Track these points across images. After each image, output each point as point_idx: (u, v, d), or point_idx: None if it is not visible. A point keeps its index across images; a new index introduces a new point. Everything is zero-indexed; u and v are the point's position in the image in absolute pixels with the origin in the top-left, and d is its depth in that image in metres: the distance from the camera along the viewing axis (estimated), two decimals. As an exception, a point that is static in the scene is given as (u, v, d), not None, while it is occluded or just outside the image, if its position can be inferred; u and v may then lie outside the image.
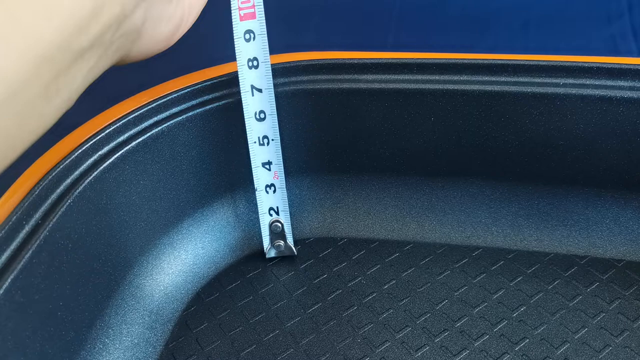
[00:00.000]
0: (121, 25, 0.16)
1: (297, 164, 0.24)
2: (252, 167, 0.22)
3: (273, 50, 0.24)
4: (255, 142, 0.21)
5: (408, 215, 0.25)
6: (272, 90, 0.21)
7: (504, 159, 0.23)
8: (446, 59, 0.22)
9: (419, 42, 0.42)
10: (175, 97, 0.21)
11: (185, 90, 0.21)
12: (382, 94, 0.23)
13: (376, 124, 0.23)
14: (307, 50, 0.25)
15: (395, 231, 0.24)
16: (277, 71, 0.23)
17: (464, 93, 0.22)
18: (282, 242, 0.23)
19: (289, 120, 0.23)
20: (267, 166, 0.22)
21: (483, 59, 0.22)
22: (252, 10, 0.20)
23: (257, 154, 0.22)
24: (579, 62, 0.22)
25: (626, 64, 0.21)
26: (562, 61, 0.22)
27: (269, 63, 0.21)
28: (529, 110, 0.22)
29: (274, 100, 0.21)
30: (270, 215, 0.23)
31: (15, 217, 0.18)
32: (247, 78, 0.21)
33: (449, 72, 0.23)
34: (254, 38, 0.20)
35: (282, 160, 0.22)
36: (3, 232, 0.17)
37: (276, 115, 0.21)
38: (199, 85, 0.22)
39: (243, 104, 0.21)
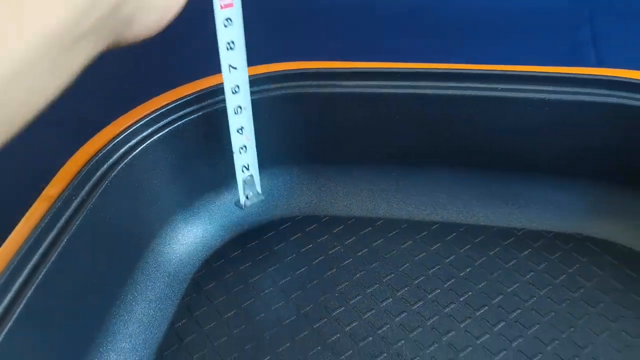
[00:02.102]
0: (117, 11, 0.18)
1: (288, 155, 0.29)
2: (230, 132, 0.25)
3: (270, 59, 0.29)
4: (232, 112, 0.25)
5: (379, 196, 0.30)
6: (246, 68, 0.24)
7: (460, 150, 0.28)
8: (415, 68, 0.27)
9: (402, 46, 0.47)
10: (188, 99, 0.26)
11: (197, 95, 0.26)
12: (359, 98, 0.28)
13: (354, 123, 0.28)
14: (297, 59, 0.30)
15: (368, 210, 0.30)
16: (272, 79, 0.28)
17: (430, 96, 0.27)
18: (251, 192, 0.27)
19: (282, 119, 0.28)
20: (240, 131, 0.26)
21: (446, 68, 0.27)
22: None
23: (233, 122, 0.25)
24: (525, 71, 0.27)
25: (560, 73, 0.26)
26: (511, 71, 0.27)
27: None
28: (482, 110, 0.27)
29: (247, 77, 0.24)
30: (243, 172, 0.27)
31: (65, 195, 0.23)
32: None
33: (417, 79, 0.27)
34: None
35: (252, 125, 0.26)
36: (56, 207, 0.22)
37: (248, 89, 0.25)
38: (207, 90, 0.27)
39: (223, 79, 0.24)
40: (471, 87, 0.26)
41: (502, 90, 0.26)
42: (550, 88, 0.26)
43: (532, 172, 0.28)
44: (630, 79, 0.26)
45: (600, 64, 0.45)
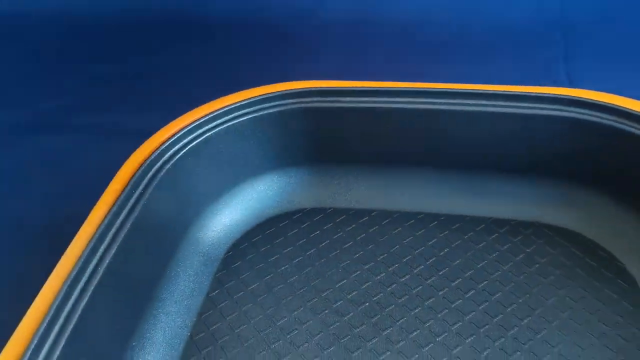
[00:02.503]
0: None
1: (299, 158, 0.36)
2: None
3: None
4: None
5: (374, 192, 0.36)
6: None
7: (439, 153, 0.34)
8: (400, 87, 0.33)
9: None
10: (226, 109, 0.32)
11: (238, 104, 0.33)
12: (356, 111, 0.34)
13: (352, 131, 0.34)
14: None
15: (365, 203, 0.36)
16: (285, 96, 0.34)
17: (412, 110, 0.33)
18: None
19: (294, 129, 0.34)
20: None
21: (426, 87, 0.33)
22: None
23: None
24: (491, 90, 0.33)
25: (521, 92, 0.32)
26: (479, 89, 0.33)
27: None
28: (455, 122, 0.33)
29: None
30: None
31: (127, 190, 0.29)
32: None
33: (402, 95, 0.33)
34: None
35: None
36: (120, 201, 0.28)
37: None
38: (240, 103, 0.33)
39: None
40: (446, 103, 0.32)
41: (471, 105, 0.32)
42: (513, 103, 0.32)
43: (499, 172, 0.34)
44: (580, 97, 0.32)
45: (570, 81, 0.52)
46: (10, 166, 0.49)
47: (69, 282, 0.24)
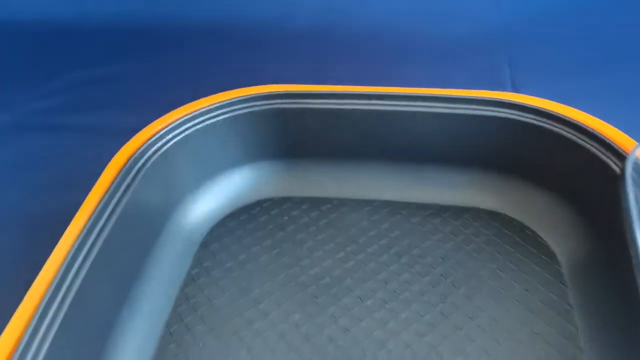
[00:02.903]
0: None
1: (270, 152, 0.40)
2: None
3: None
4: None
5: (336, 182, 0.40)
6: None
7: (391, 148, 0.39)
8: (358, 90, 0.38)
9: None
10: (205, 109, 0.37)
11: (215, 104, 0.37)
12: (322, 112, 0.38)
13: (318, 129, 0.39)
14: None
15: (328, 192, 0.40)
16: (258, 97, 0.38)
17: (369, 111, 0.38)
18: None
19: (266, 127, 0.39)
20: None
21: (379, 91, 0.38)
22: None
23: None
24: (434, 93, 0.37)
25: (460, 95, 0.37)
26: (424, 93, 0.37)
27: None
28: (403, 121, 0.38)
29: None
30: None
31: (118, 179, 0.33)
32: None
33: (360, 98, 0.38)
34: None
35: None
36: (112, 189, 0.32)
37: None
38: (217, 104, 0.37)
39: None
40: (396, 105, 0.37)
41: (417, 107, 0.37)
42: (453, 105, 0.37)
43: (441, 164, 0.39)
44: (508, 100, 0.37)
45: (513, 85, 0.57)
46: (5, 162, 0.53)
47: (69, 258, 0.28)
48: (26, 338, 0.25)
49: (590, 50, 0.61)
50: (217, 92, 0.40)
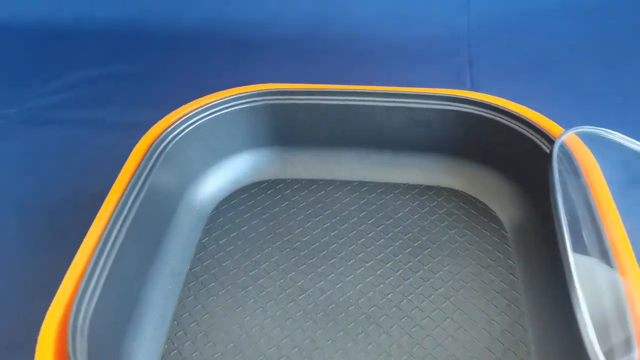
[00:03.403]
0: None
1: (264, 141, 0.47)
2: None
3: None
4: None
5: (321, 166, 0.47)
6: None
7: (366, 137, 0.46)
8: (337, 88, 0.45)
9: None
10: (211, 104, 0.43)
11: (220, 100, 0.44)
12: (306, 106, 0.45)
13: (303, 121, 0.46)
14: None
15: (315, 174, 0.47)
16: (251, 95, 0.45)
17: (348, 106, 0.45)
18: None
19: (259, 120, 0.45)
20: None
21: (353, 89, 0.45)
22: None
23: None
24: (399, 90, 0.45)
25: (422, 92, 0.44)
26: (391, 90, 0.45)
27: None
28: (377, 114, 0.45)
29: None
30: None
31: (142, 162, 0.39)
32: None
33: (340, 95, 0.45)
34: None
35: None
36: (138, 173, 0.38)
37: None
38: (221, 100, 0.44)
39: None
40: (371, 100, 0.44)
41: (389, 102, 0.44)
42: (419, 100, 0.44)
43: (410, 150, 0.46)
44: (467, 97, 0.44)
45: (473, 84, 0.65)
46: (18, 152, 0.58)
47: (109, 226, 0.34)
48: (82, 287, 0.31)
49: (542, 53, 0.69)
50: (211, 91, 0.46)
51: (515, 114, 0.42)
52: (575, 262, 0.31)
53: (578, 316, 0.28)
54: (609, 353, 0.28)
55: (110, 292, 0.32)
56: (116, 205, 0.36)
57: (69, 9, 0.79)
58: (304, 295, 0.39)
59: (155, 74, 0.71)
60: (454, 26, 0.73)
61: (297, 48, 0.73)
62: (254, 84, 0.47)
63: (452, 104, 0.44)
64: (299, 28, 0.75)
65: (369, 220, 0.44)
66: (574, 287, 0.30)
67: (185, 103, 0.45)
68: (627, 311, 0.31)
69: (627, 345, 0.30)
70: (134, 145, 0.50)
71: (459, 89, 0.48)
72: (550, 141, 0.39)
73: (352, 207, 0.45)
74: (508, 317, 0.37)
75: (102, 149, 0.59)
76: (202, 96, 0.45)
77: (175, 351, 0.35)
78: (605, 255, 0.33)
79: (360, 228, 0.43)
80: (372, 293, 0.39)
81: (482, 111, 0.43)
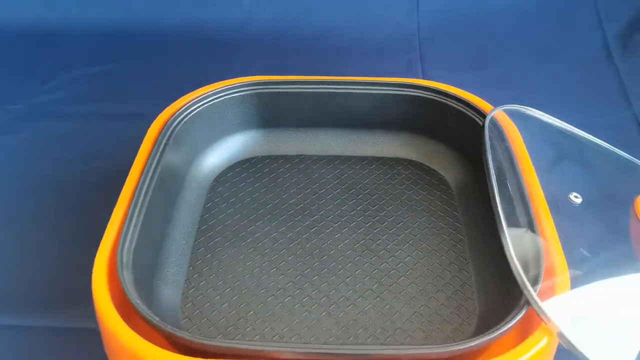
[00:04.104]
0: None
1: (256, 123, 0.55)
2: None
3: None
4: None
5: (302, 143, 0.56)
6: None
7: (340, 118, 0.55)
8: (315, 79, 0.54)
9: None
10: (210, 93, 0.52)
11: (218, 89, 0.52)
12: (290, 93, 0.54)
13: (288, 106, 0.54)
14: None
15: (298, 150, 0.56)
16: (244, 85, 0.53)
17: (323, 93, 0.54)
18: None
19: (252, 106, 0.54)
20: None
21: (327, 79, 0.54)
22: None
23: None
24: (364, 80, 0.54)
25: (382, 81, 0.54)
26: (359, 80, 0.54)
27: None
28: (346, 99, 0.54)
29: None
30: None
31: (158, 139, 0.47)
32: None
33: (316, 84, 0.54)
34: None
35: None
36: (154, 150, 0.46)
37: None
38: (218, 89, 0.52)
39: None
40: (341, 88, 0.53)
41: (355, 89, 0.53)
42: (380, 87, 0.54)
43: (374, 128, 0.55)
44: (419, 84, 0.54)
45: (424, 75, 0.75)
46: (36, 140, 0.66)
47: (136, 194, 0.42)
48: (122, 236, 0.39)
49: (481, 50, 0.80)
50: (198, 86, 0.54)
51: (456, 95, 0.52)
52: (501, 206, 0.41)
53: (506, 250, 0.38)
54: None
55: (141, 242, 0.41)
56: (140, 175, 0.44)
57: (57, 12, 0.85)
58: (293, 243, 0.48)
59: (142, 71, 0.78)
60: (405, 28, 0.83)
61: (270, 46, 0.82)
62: (231, 78, 0.55)
63: (405, 89, 0.54)
64: (271, 28, 0.83)
65: (342, 186, 0.53)
66: (502, 224, 0.40)
67: (171, 96, 0.53)
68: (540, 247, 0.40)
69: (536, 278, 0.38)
70: (131, 133, 0.60)
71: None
72: (483, 116, 0.49)
73: (329, 176, 0.54)
74: (454, 253, 0.47)
75: (104, 135, 0.66)
76: (187, 89, 0.54)
77: (193, 289, 0.44)
78: (523, 198, 0.43)
79: (335, 192, 0.53)
80: (347, 240, 0.48)
81: (429, 95, 0.53)
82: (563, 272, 0.38)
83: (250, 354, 0.33)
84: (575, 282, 0.37)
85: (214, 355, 0.33)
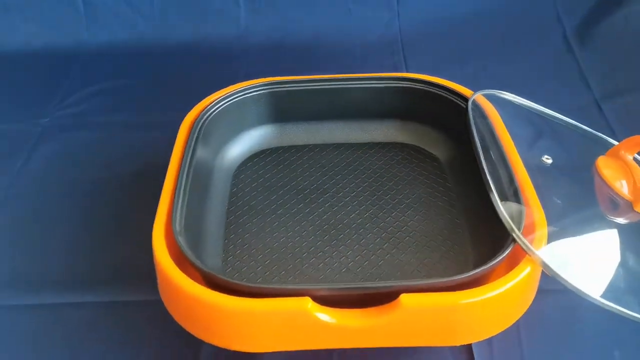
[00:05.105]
0: None
1: (268, 118, 0.63)
2: None
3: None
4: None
5: (310, 133, 0.63)
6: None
7: (342, 110, 0.63)
8: (318, 77, 0.62)
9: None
10: (230, 93, 0.59)
11: (237, 90, 0.59)
12: (300, 92, 0.61)
13: (295, 102, 0.62)
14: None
15: (306, 140, 0.63)
16: (256, 86, 0.61)
17: (328, 89, 0.62)
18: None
19: (264, 103, 0.61)
20: None
21: (329, 77, 0.62)
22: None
23: None
24: (359, 76, 0.62)
25: (372, 75, 0.62)
26: (355, 76, 0.62)
27: None
28: (346, 93, 0.62)
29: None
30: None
31: (190, 135, 0.54)
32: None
33: (318, 82, 0.62)
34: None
35: None
36: (188, 143, 0.54)
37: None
38: (236, 90, 0.60)
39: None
40: (341, 84, 0.61)
41: (353, 84, 0.61)
42: (374, 81, 0.62)
43: (373, 118, 0.63)
44: (408, 76, 0.62)
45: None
46: (64, 151, 0.72)
47: (179, 179, 0.50)
48: (174, 212, 0.46)
49: (458, 49, 0.89)
50: (203, 94, 0.60)
51: (441, 84, 0.60)
52: (487, 169, 0.49)
53: (494, 202, 0.46)
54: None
55: (186, 218, 0.47)
56: (179, 165, 0.51)
57: (70, 37, 0.92)
58: (311, 216, 0.55)
59: (154, 85, 0.86)
60: (388, 34, 0.92)
61: (267, 55, 0.89)
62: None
63: (398, 82, 0.62)
64: (267, 40, 0.91)
65: (348, 168, 0.61)
66: (489, 183, 0.48)
67: (182, 105, 0.60)
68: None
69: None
70: (153, 139, 0.67)
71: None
72: (466, 101, 0.57)
73: (335, 161, 0.62)
74: (449, 216, 0.55)
75: (128, 142, 0.73)
76: (197, 97, 0.61)
77: (231, 257, 0.51)
78: (504, 162, 0.51)
79: (343, 173, 0.60)
80: (357, 211, 0.56)
81: (418, 85, 0.61)
82: (540, 216, 0.46)
83: (287, 292, 0.40)
84: (550, 223, 0.45)
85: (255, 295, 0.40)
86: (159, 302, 0.50)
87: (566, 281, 0.41)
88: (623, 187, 0.50)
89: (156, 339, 0.51)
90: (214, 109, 0.58)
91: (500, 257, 0.42)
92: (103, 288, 0.55)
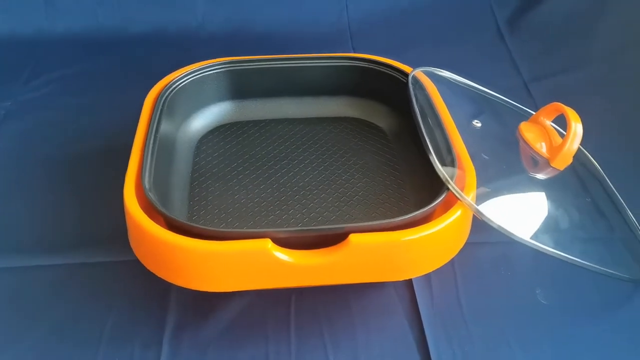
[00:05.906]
0: None
1: (229, 94, 0.67)
2: None
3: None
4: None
5: (268, 109, 0.68)
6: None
7: (297, 87, 0.68)
8: (276, 57, 0.67)
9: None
10: (191, 71, 0.63)
11: (198, 67, 0.63)
12: (256, 69, 0.66)
13: (254, 79, 0.66)
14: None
15: (264, 115, 0.68)
16: (218, 64, 0.65)
17: (284, 67, 0.66)
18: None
19: (225, 80, 0.66)
20: None
21: (286, 56, 0.67)
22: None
23: None
24: (315, 55, 0.67)
25: (328, 55, 0.67)
26: (309, 56, 0.67)
27: None
28: (302, 71, 0.67)
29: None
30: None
31: (155, 108, 0.58)
32: None
33: (279, 60, 0.67)
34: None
35: None
36: (154, 114, 0.57)
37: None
38: (198, 68, 0.63)
39: None
40: (296, 63, 0.66)
41: (308, 63, 0.66)
42: (326, 60, 0.67)
43: (326, 94, 0.68)
44: (358, 56, 0.68)
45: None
46: (29, 128, 0.74)
47: (146, 143, 0.53)
48: (142, 172, 0.50)
49: (403, 38, 0.95)
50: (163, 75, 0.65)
51: (385, 62, 0.66)
52: (426, 133, 0.55)
53: (431, 159, 0.51)
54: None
55: (154, 177, 0.51)
56: (146, 132, 0.55)
57: (30, 26, 0.93)
58: (270, 180, 0.60)
59: (115, 71, 0.88)
60: (338, 25, 0.97)
61: (224, 44, 0.93)
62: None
63: (347, 61, 0.67)
64: (223, 30, 0.95)
65: (302, 139, 0.66)
66: (427, 144, 0.54)
67: (144, 88, 0.63)
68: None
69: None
70: (120, 117, 0.70)
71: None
72: (407, 76, 0.63)
73: (291, 133, 0.66)
74: (393, 178, 0.61)
75: (95, 120, 0.76)
76: (157, 83, 0.64)
77: (195, 214, 0.55)
78: (440, 127, 0.57)
79: (297, 144, 0.65)
80: (312, 175, 0.61)
81: (364, 64, 0.67)
82: (470, 170, 0.52)
83: (250, 234, 0.45)
84: (479, 175, 0.51)
85: (220, 239, 0.44)
86: (127, 263, 0.53)
87: (491, 220, 0.47)
88: (542, 148, 0.57)
89: (125, 295, 0.54)
90: (176, 85, 0.62)
91: (436, 202, 0.48)
92: (72, 252, 0.58)
